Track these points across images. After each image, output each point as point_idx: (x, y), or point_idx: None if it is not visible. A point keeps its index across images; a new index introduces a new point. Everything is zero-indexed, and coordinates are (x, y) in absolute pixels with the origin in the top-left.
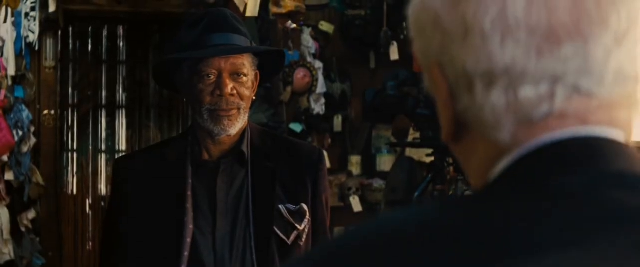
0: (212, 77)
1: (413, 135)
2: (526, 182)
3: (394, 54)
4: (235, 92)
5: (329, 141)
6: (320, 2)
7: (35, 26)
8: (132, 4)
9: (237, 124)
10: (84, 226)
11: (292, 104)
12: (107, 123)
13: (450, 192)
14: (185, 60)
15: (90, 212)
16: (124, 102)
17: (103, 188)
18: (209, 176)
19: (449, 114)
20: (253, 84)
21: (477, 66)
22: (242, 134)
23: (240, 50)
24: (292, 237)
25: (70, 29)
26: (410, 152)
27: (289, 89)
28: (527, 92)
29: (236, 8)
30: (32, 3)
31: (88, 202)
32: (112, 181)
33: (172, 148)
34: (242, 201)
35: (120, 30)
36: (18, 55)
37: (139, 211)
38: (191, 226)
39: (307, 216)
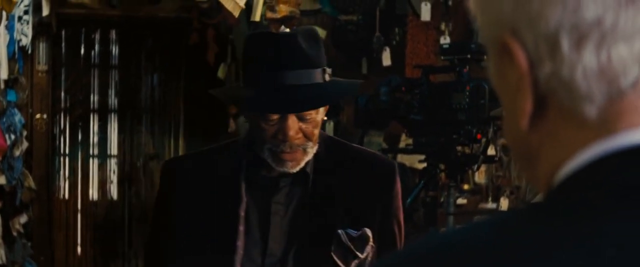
0: (276, 117)
1: (405, 141)
2: (609, 195)
3: (387, 60)
4: (300, 134)
5: None
6: (313, 7)
7: (29, 30)
8: (126, 8)
9: (302, 162)
10: (75, 230)
11: None
12: (99, 127)
13: (442, 199)
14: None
15: (80, 217)
16: (115, 107)
17: (95, 193)
18: (264, 195)
19: (527, 89)
20: (322, 115)
21: (562, 20)
22: None
23: (312, 106)
24: (353, 265)
25: (63, 32)
26: (402, 158)
27: None
28: (621, 51)
29: (230, 13)
30: (25, 7)
31: (79, 207)
32: (160, 187)
33: (227, 156)
34: (299, 222)
35: (113, 35)
36: (11, 58)
37: (186, 227)
38: (242, 252)
39: (370, 242)
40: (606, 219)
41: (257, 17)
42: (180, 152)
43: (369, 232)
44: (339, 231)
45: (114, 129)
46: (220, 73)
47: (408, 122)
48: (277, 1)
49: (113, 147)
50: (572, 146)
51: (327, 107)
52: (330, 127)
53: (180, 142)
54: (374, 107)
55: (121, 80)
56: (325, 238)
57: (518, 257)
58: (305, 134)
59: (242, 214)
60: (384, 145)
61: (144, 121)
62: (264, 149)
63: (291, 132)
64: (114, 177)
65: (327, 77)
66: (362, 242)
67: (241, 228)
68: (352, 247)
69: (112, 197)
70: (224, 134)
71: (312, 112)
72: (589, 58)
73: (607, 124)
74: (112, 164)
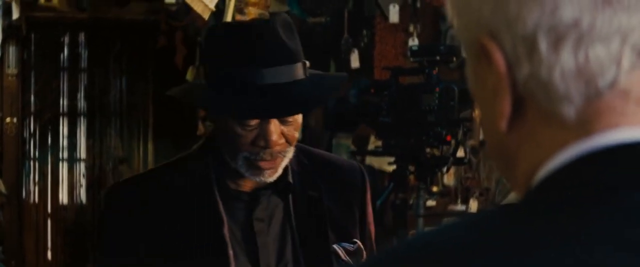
0: (255, 121)
1: (374, 143)
2: (589, 194)
3: (355, 62)
4: (282, 139)
5: None
6: (281, 9)
7: None
8: (94, 10)
9: (280, 169)
10: (45, 234)
11: None
12: (68, 131)
13: (411, 201)
14: (216, 92)
15: (51, 221)
16: (85, 110)
17: (64, 197)
18: (241, 211)
19: (506, 91)
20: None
21: (539, 22)
22: None
23: (300, 108)
24: None
25: (33, 35)
26: (371, 160)
27: None
28: (599, 52)
29: (198, 16)
30: None
31: (49, 211)
32: (106, 220)
33: (188, 172)
34: (288, 242)
35: (82, 37)
36: None
37: (155, 261)
38: None
39: (364, 256)
40: (585, 220)
41: (228, 18)
42: (150, 156)
43: (361, 244)
44: (335, 247)
45: (83, 132)
46: (189, 76)
47: (377, 124)
48: (246, 3)
49: (82, 151)
50: (550, 147)
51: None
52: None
53: (150, 146)
54: (343, 110)
55: (90, 84)
56: (318, 254)
57: (498, 256)
58: (287, 139)
59: (227, 233)
60: (353, 147)
61: (113, 124)
62: (239, 157)
63: (274, 137)
64: (83, 181)
65: (307, 72)
66: (358, 256)
67: (231, 252)
68: (352, 262)
69: (81, 201)
70: (193, 136)
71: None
72: (566, 59)
73: (586, 125)
74: (82, 168)
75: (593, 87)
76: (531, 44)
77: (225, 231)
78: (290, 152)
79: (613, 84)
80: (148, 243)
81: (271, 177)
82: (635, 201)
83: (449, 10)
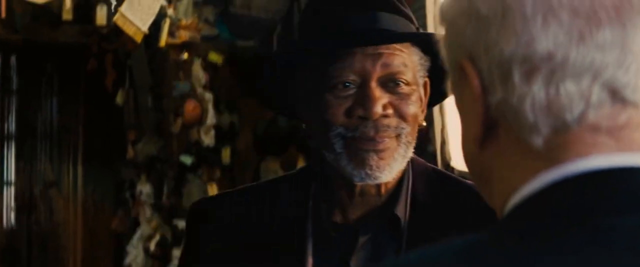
0: (351, 85)
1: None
2: (564, 218)
3: None
4: (390, 110)
5: (218, 173)
6: (212, 33)
7: None
8: (27, 32)
9: (395, 164)
10: None
11: (183, 135)
12: None
13: None
14: (299, 59)
15: None
16: (15, 133)
17: None
18: (338, 252)
19: (479, 112)
20: (422, 98)
21: (516, 51)
22: (400, 181)
23: (397, 38)
24: None
25: None
26: None
27: (179, 120)
28: (569, 87)
29: (130, 39)
30: None
31: None
32: (187, 239)
33: (285, 198)
34: None
35: (13, 60)
36: None
37: None
38: None
39: None
40: (559, 245)
41: (162, 42)
42: (79, 180)
43: None
44: None
45: (13, 155)
46: (119, 99)
47: (306, 147)
48: (178, 27)
49: (12, 174)
50: (523, 172)
51: (428, 92)
52: (227, 154)
53: (79, 169)
54: (273, 133)
55: (21, 106)
56: None
57: None
58: (398, 112)
59: None
60: (281, 171)
61: (43, 147)
62: (335, 140)
63: (376, 105)
64: (13, 204)
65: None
66: None
67: None
68: None
69: (12, 225)
70: (123, 160)
71: (403, 83)
72: (537, 91)
73: (555, 153)
74: (12, 191)
75: (560, 121)
76: (506, 71)
77: None
78: (407, 137)
79: (581, 119)
80: None
81: (382, 171)
82: (609, 226)
83: (440, 28)
